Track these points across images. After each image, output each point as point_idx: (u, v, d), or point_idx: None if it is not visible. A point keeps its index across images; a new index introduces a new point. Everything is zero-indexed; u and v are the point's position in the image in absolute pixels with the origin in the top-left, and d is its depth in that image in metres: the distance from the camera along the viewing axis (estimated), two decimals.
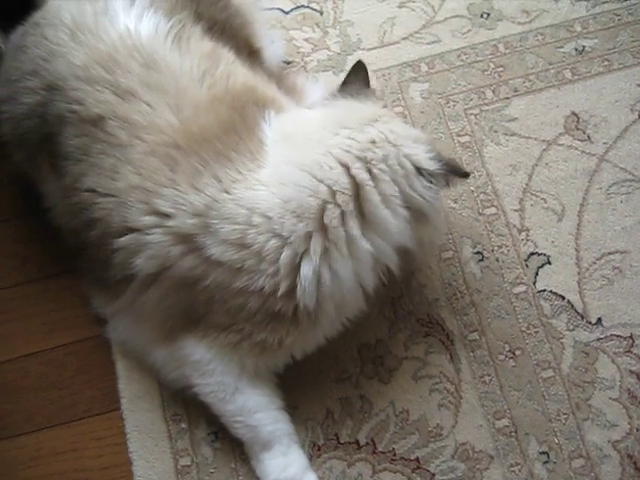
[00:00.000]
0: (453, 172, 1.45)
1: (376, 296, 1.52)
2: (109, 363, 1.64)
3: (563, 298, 1.65)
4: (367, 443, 1.57)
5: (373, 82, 1.83)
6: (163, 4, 1.53)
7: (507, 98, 1.82)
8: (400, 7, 1.93)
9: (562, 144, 1.77)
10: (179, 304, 1.46)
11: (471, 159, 1.77)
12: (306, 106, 1.62)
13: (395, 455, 1.56)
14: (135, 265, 1.43)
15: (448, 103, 1.82)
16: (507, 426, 1.56)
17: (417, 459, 1.55)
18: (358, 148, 1.39)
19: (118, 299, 1.52)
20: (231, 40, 1.60)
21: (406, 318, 1.64)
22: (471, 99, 1.83)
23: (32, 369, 1.65)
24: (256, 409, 1.50)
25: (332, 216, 1.37)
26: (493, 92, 1.83)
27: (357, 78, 1.57)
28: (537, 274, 1.66)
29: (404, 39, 1.90)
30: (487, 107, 1.82)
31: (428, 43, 1.89)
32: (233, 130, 1.42)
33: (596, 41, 1.88)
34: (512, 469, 1.54)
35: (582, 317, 1.63)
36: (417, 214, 1.44)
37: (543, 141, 1.78)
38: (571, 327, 1.62)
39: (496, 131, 1.79)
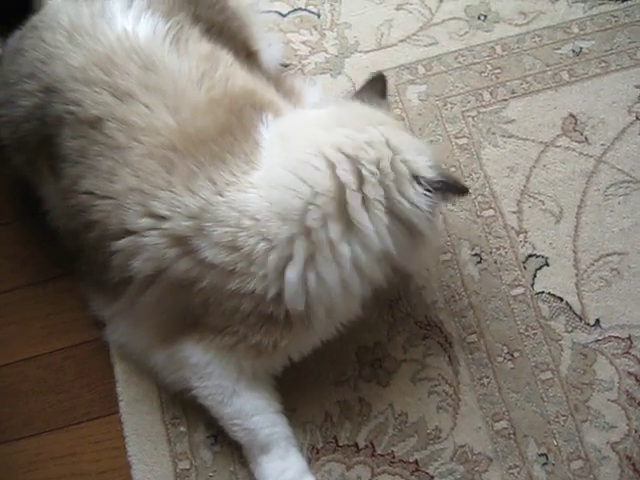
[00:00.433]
0: (452, 185, 1.41)
1: (375, 300, 1.52)
2: (107, 367, 1.64)
3: (561, 300, 1.65)
4: (366, 446, 1.56)
5: None
6: (161, 6, 1.53)
7: (504, 100, 1.82)
8: (397, 9, 1.93)
9: (560, 146, 1.77)
10: (176, 306, 1.45)
11: (469, 161, 1.77)
12: (308, 108, 1.63)
13: (394, 458, 1.55)
14: (133, 267, 1.42)
15: (445, 105, 1.82)
16: (506, 428, 1.56)
17: (416, 461, 1.55)
18: (351, 146, 1.37)
19: (116, 301, 1.52)
20: (229, 42, 1.60)
21: (404, 321, 1.64)
22: (468, 101, 1.83)
23: (31, 373, 1.65)
24: (254, 412, 1.49)
25: (314, 218, 1.35)
26: (490, 94, 1.83)
27: (373, 88, 1.54)
28: (535, 276, 1.66)
29: (401, 41, 1.90)
30: (484, 109, 1.82)
31: (425, 45, 1.89)
32: (229, 132, 1.42)
33: (593, 43, 1.88)
34: (511, 471, 1.54)
35: (580, 319, 1.63)
36: (409, 227, 1.40)
37: (541, 143, 1.78)
38: (569, 329, 1.62)
39: (494, 133, 1.79)
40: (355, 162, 1.36)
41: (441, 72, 1.87)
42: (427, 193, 1.38)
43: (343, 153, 1.37)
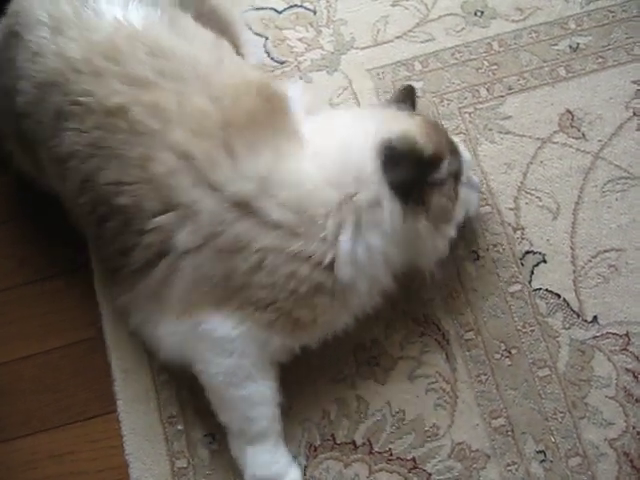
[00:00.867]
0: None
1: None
2: (105, 365, 1.64)
3: (559, 296, 1.64)
4: (363, 443, 1.56)
5: (367, 81, 1.84)
6: None
7: (501, 96, 1.81)
8: (393, 5, 1.93)
9: (557, 142, 1.76)
10: (215, 275, 1.42)
11: None
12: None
13: (392, 455, 1.55)
14: (174, 241, 1.41)
15: (442, 102, 1.82)
16: (503, 425, 1.56)
17: (414, 459, 1.55)
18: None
19: (135, 287, 1.48)
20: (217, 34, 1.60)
21: (401, 318, 1.64)
22: (465, 97, 1.82)
23: (27, 372, 1.65)
24: (260, 401, 1.48)
25: (361, 188, 1.42)
26: (487, 90, 1.83)
27: (403, 99, 1.60)
28: (532, 273, 1.65)
29: (398, 38, 1.89)
30: (481, 105, 1.81)
31: (422, 41, 1.88)
32: (270, 115, 1.46)
33: (590, 38, 1.87)
34: (509, 468, 1.54)
35: (578, 315, 1.62)
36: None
37: (538, 139, 1.77)
38: (567, 325, 1.62)
39: (490, 129, 1.78)
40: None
41: (438, 68, 1.86)
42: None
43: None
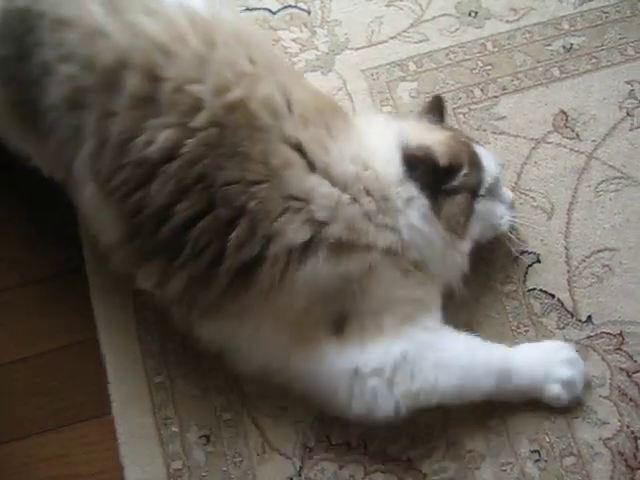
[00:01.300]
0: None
1: None
2: (99, 368, 1.63)
3: (553, 296, 1.64)
4: (358, 445, 1.56)
5: (361, 82, 1.84)
6: None
7: (495, 97, 1.82)
8: (388, 6, 1.92)
9: (551, 142, 1.77)
10: (334, 281, 1.40)
11: None
12: None
13: (387, 456, 1.55)
14: (292, 236, 1.37)
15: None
16: (498, 425, 1.56)
17: (409, 459, 1.55)
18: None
19: (236, 297, 1.41)
20: None
21: None
22: (459, 98, 1.82)
23: (21, 375, 1.64)
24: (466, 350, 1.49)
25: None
26: (481, 91, 1.83)
27: (431, 110, 1.63)
28: (527, 273, 1.66)
29: (392, 38, 1.89)
30: (475, 106, 1.81)
31: (416, 42, 1.88)
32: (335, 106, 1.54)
33: (584, 39, 1.87)
34: (503, 468, 1.54)
35: (572, 315, 1.63)
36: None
37: (532, 139, 1.77)
38: (561, 325, 1.62)
39: (485, 130, 1.78)
40: None
41: (432, 69, 1.86)
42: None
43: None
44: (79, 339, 1.66)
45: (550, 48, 1.87)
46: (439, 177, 1.48)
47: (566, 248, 1.68)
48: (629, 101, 1.80)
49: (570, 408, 1.55)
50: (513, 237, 1.61)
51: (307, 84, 1.56)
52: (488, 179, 1.55)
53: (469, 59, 1.87)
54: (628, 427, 1.55)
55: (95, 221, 1.49)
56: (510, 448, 1.55)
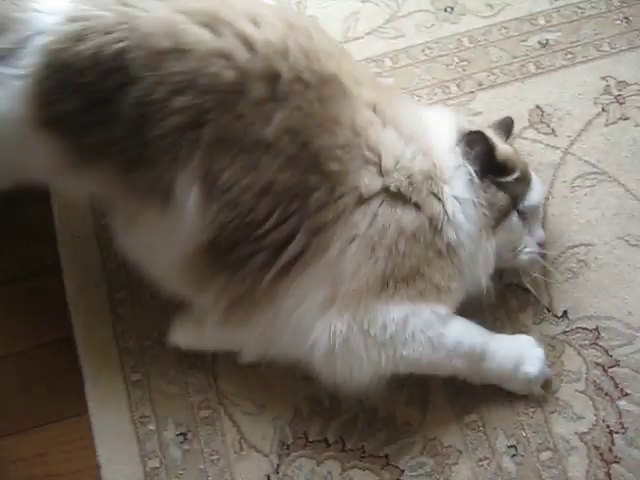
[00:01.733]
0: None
1: None
2: (75, 366, 1.62)
3: (529, 292, 1.65)
4: (336, 441, 1.56)
5: None
6: None
7: (471, 92, 1.83)
8: (364, 2, 1.93)
9: (527, 138, 1.78)
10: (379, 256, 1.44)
11: None
12: None
13: (364, 452, 1.55)
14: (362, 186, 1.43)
15: (413, 98, 1.82)
16: (475, 421, 1.57)
17: (386, 456, 1.55)
18: None
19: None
20: None
21: None
22: (435, 93, 1.83)
23: None
24: (467, 335, 1.51)
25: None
26: (457, 86, 1.83)
27: (501, 127, 1.67)
28: (503, 269, 1.65)
29: (368, 34, 1.90)
30: (452, 101, 1.82)
31: (392, 38, 1.89)
32: None
33: (559, 34, 1.88)
34: (480, 463, 1.54)
35: (548, 310, 1.64)
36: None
37: None
38: (537, 321, 1.63)
39: None
40: None
41: (408, 65, 1.86)
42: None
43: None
44: (54, 338, 1.65)
45: (526, 44, 1.87)
46: (492, 164, 1.52)
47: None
48: (604, 97, 1.81)
49: (547, 402, 1.56)
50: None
51: None
52: (531, 200, 1.57)
53: (445, 55, 1.87)
54: (604, 421, 1.56)
55: (165, 237, 1.46)
56: (487, 443, 1.55)
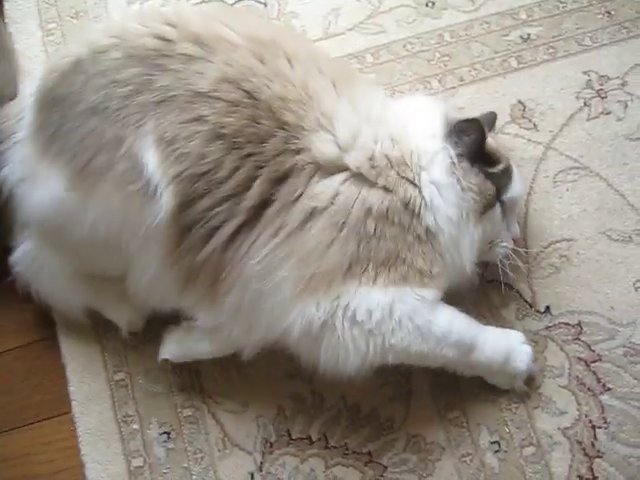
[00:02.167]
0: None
1: None
2: (58, 366, 1.63)
3: (512, 287, 1.65)
4: (319, 438, 1.57)
5: None
6: None
7: (453, 87, 1.82)
8: None
9: (509, 133, 1.77)
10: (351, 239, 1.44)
11: None
12: None
13: (347, 449, 1.56)
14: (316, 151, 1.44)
15: (394, 94, 1.81)
16: (458, 417, 1.57)
17: (369, 452, 1.56)
18: None
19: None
20: None
21: None
22: (417, 89, 1.82)
23: None
24: (456, 325, 1.50)
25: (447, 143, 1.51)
26: (439, 82, 1.83)
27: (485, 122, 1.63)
28: (486, 265, 1.64)
29: (349, 30, 1.89)
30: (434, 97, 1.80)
31: (373, 33, 1.88)
32: None
33: (541, 29, 1.87)
34: (464, 459, 1.55)
35: (531, 306, 1.64)
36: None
37: None
38: (520, 316, 1.63)
39: None
40: None
41: (389, 60, 1.85)
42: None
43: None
44: (38, 338, 1.66)
45: (508, 38, 1.87)
46: (482, 153, 1.51)
47: (524, 239, 1.68)
48: (586, 91, 1.81)
49: (530, 398, 1.57)
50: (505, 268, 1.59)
51: None
52: (513, 193, 1.56)
53: (426, 50, 1.87)
54: (586, 416, 1.56)
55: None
56: (470, 439, 1.56)
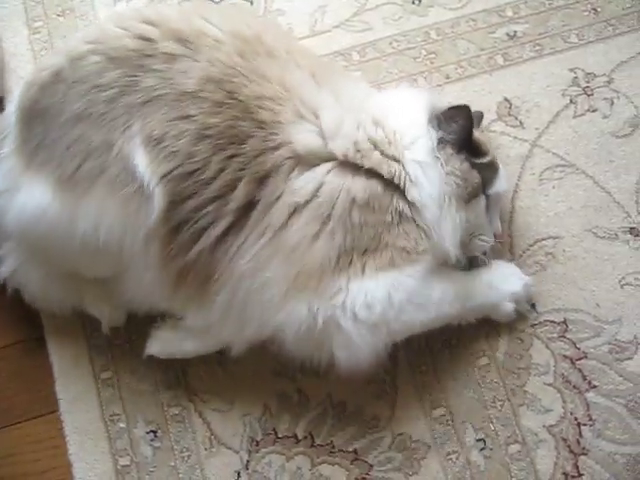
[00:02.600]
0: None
1: None
2: (45, 365, 1.63)
3: None
4: (305, 436, 1.57)
5: None
6: None
7: (439, 85, 1.82)
8: None
9: (495, 130, 1.77)
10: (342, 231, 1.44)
11: None
12: None
13: (333, 447, 1.56)
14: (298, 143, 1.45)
15: (380, 92, 1.80)
16: (443, 415, 1.58)
17: (355, 450, 1.56)
18: None
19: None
20: None
21: None
22: None
23: None
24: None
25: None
26: (425, 79, 1.83)
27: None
28: (471, 262, 1.63)
29: (335, 27, 1.88)
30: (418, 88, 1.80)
31: (359, 31, 1.88)
32: None
33: (527, 26, 1.87)
34: (449, 457, 1.55)
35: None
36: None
37: None
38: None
39: None
40: None
41: (375, 58, 1.85)
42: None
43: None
44: (24, 337, 1.66)
45: (494, 36, 1.86)
46: (469, 141, 1.52)
47: (510, 236, 1.68)
48: (572, 88, 1.81)
49: (516, 396, 1.57)
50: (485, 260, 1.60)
51: None
52: (498, 187, 1.57)
53: (413, 47, 1.86)
54: (571, 414, 1.57)
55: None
56: (456, 437, 1.56)
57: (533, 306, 1.64)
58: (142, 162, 1.42)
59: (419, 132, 1.50)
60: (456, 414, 1.57)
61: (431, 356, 1.61)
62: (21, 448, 1.60)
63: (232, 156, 1.43)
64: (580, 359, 1.60)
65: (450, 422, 1.57)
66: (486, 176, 1.54)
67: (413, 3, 1.90)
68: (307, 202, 1.43)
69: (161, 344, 1.59)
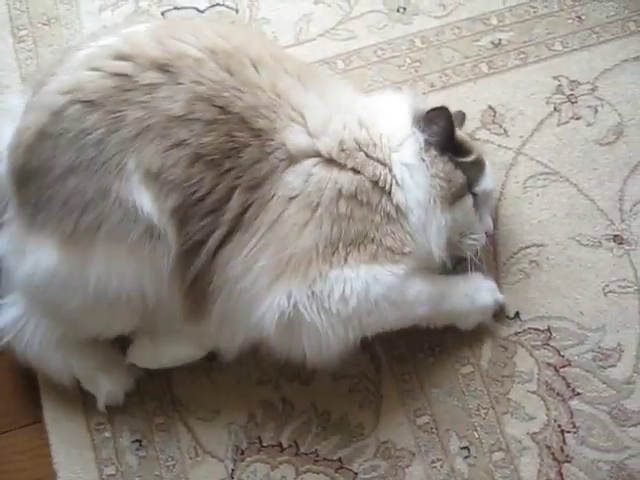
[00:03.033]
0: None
1: None
2: (30, 375, 1.62)
3: None
4: (290, 445, 1.57)
5: None
6: None
7: (424, 93, 1.81)
8: (316, 3, 1.92)
9: (479, 138, 1.77)
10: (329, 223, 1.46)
11: None
12: None
13: (318, 456, 1.56)
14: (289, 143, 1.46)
15: (366, 95, 1.80)
16: (428, 423, 1.58)
17: (340, 459, 1.56)
18: None
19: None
20: None
21: None
22: None
23: None
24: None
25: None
26: (410, 87, 1.82)
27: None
28: (455, 269, 1.65)
29: (320, 36, 1.89)
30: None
31: (344, 39, 1.88)
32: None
33: (512, 34, 1.87)
34: (434, 465, 1.56)
35: (500, 311, 1.64)
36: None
37: None
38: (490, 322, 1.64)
39: None
40: None
41: (360, 66, 1.86)
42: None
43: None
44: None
45: (478, 44, 1.87)
46: (451, 143, 1.53)
47: (493, 245, 1.68)
48: (556, 96, 1.81)
49: (499, 403, 1.58)
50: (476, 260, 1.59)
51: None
52: (485, 186, 1.57)
53: (397, 56, 1.87)
54: (555, 421, 1.57)
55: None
56: (440, 445, 1.57)
57: (517, 314, 1.64)
58: (146, 201, 1.39)
59: (406, 135, 1.51)
60: (440, 422, 1.58)
61: (415, 364, 1.61)
62: (6, 457, 1.59)
63: (228, 170, 1.42)
64: (564, 367, 1.61)
65: (434, 430, 1.57)
66: (472, 175, 1.54)
67: (398, 11, 1.91)
68: (299, 193, 1.44)
69: (140, 353, 1.59)
